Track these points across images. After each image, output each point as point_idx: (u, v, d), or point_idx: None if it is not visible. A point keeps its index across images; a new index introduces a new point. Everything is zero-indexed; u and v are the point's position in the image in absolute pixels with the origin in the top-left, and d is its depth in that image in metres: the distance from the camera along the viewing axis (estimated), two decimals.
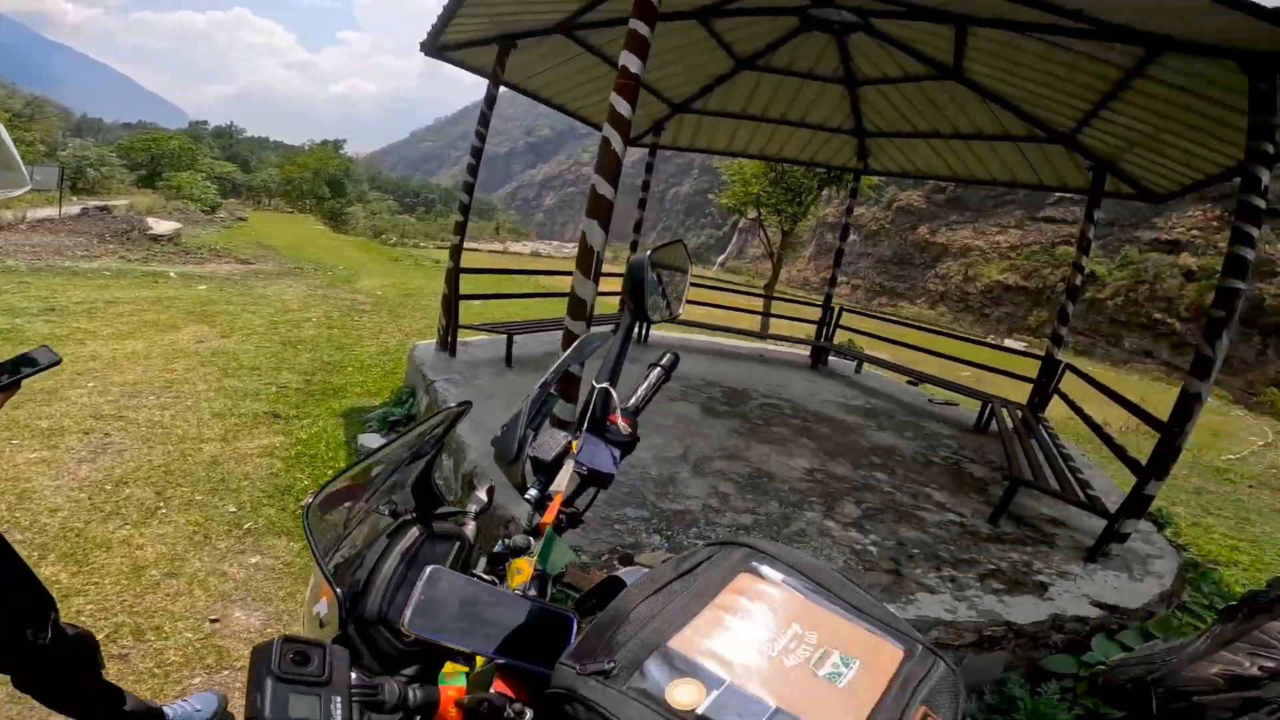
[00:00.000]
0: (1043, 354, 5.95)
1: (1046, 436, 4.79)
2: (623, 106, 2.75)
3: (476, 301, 6.48)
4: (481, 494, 1.23)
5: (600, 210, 2.49)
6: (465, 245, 5.48)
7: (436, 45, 5.27)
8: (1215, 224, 34.79)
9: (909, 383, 7.25)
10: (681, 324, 7.65)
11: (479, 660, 0.88)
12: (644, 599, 0.86)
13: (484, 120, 5.39)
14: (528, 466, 1.16)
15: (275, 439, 4.28)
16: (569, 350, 1.26)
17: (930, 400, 6.62)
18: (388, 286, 11.79)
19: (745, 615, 0.83)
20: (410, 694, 0.78)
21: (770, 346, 8.16)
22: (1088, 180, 5.66)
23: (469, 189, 5.52)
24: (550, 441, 1.18)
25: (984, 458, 4.93)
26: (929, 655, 0.84)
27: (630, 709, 0.71)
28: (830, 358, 7.59)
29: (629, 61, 2.77)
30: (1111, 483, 4.65)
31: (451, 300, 5.26)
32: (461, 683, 0.85)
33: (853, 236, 52.14)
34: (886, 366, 7.31)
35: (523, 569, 1.04)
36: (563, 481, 1.10)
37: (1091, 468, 4.94)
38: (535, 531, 1.09)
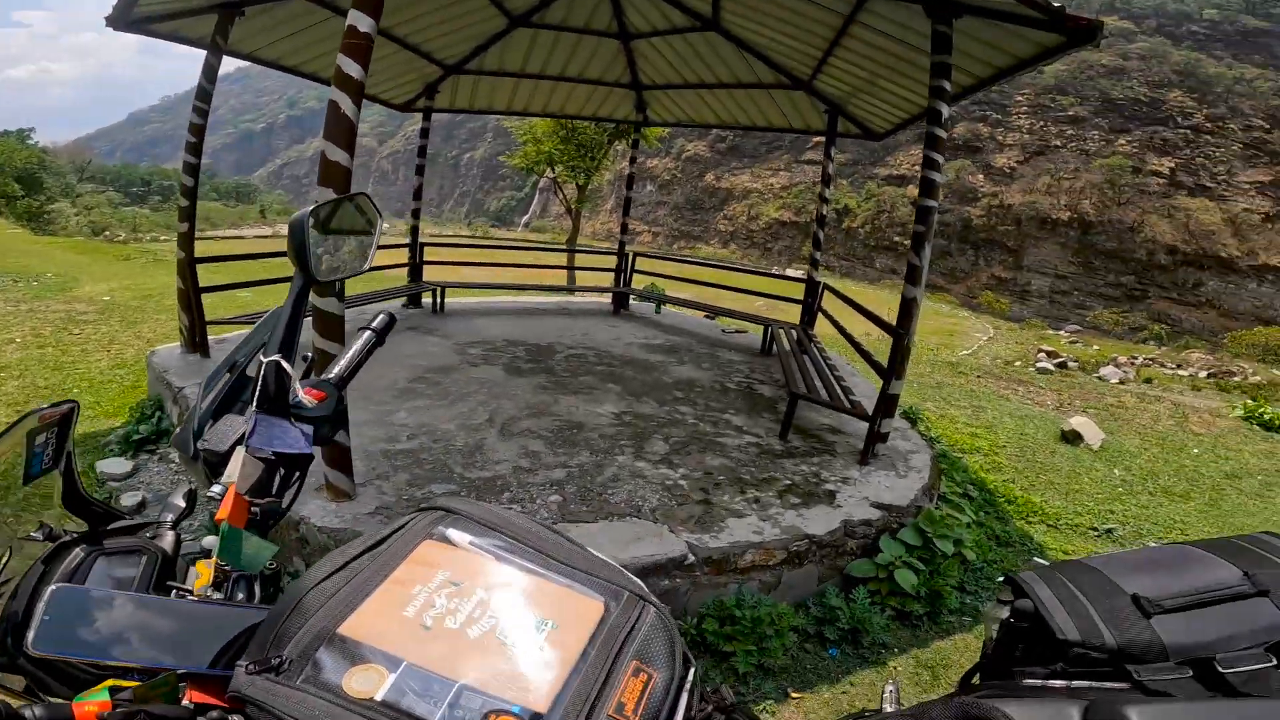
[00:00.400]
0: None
1: (816, 352, 5.42)
2: (352, 68, 2.50)
3: (244, 292, 5.65)
4: (178, 499, 1.04)
5: (334, 178, 2.27)
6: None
7: (130, 18, 4.34)
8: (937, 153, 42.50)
9: (706, 317, 7.78)
10: (484, 287, 7.40)
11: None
12: (320, 581, 0.77)
13: (203, 95, 4.60)
14: (204, 467, 1.01)
15: None
16: (257, 325, 1.10)
17: (724, 330, 7.17)
18: (119, 290, 9.86)
19: (425, 587, 0.76)
20: (28, 712, 0.65)
21: (574, 299, 8.23)
22: (824, 123, 6.37)
23: (192, 170, 4.68)
24: (225, 430, 1.01)
25: (771, 378, 5.47)
26: (635, 602, 0.81)
27: (305, 705, 0.64)
28: (632, 301, 7.86)
29: (358, 20, 2.51)
30: (872, 387, 5.31)
31: (190, 295, 4.52)
32: (103, 697, 0.72)
33: (649, 186, 54.72)
34: (684, 304, 7.75)
35: (202, 572, 0.91)
36: (234, 472, 0.95)
37: (855, 375, 5.70)
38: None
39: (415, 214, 7.39)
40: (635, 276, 8.08)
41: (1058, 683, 1.13)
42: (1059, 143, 41.45)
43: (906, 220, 41.23)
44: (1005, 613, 1.31)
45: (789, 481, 3.52)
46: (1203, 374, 19.57)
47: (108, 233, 31.47)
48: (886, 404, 3.90)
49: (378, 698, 0.65)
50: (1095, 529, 4.50)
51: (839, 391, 4.39)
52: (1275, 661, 1.07)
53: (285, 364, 0.99)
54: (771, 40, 5.56)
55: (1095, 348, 20.59)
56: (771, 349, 6.27)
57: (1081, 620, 1.18)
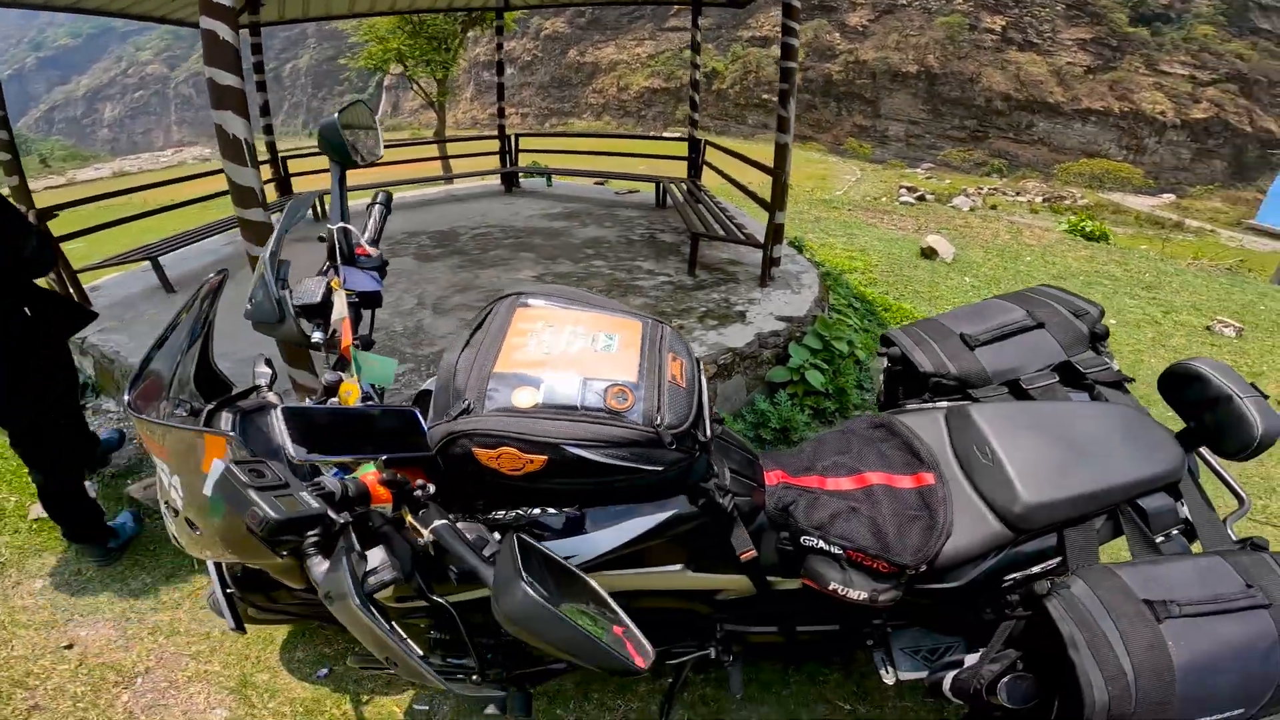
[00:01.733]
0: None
1: (708, 199, 5.77)
2: None
3: (75, 243, 4.94)
4: (262, 367, 1.31)
5: (230, 100, 2.19)
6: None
7: None
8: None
9: (596, 183, 7.89)
10: (364, 188, 7.07)
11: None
12: (459, 354, 1.13)
13: None
14: (300, 321, 1.26)
15: None
16: (282, 217, 1.34)
17: (616, 193, 7.34)
18: None
19: (535, 333, 1.13)
20: (347, 486, 0.89)
21: (460, 185, 8.01)
22: None
23: (2, 123, 3.97)
24: (310, 287, 1.29)
25: (671, 227, 5.79)
26: (658, 324, 1.24)
27: (495, 422, 0.98)
28: (522, 180, 7.81)
29: None
30: (761, 225, 5.78)
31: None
32: (373, 467, 1.00)
33: (510, 70, 50.97)
34: (573, 174, 7.78)
35: (351, 390, 1.18)
36: (343, 309, 1.24)
37: (745, 216, 6.09)
38: (342, 364, 1.24)
39: (268, 129, 6.79)
40: (520, 156, 7.93)
41: (927, 405, 1.63)
42: (904, 1, 42.96)
43: (773, 79, 41.62)
44: (885, 362, 1.80)
45: (705, 309, 3.93)
46: (1039, 199, 22.02)
47: None
48: (775, 232, 4.36)
49: (539, 403, 1.00)
50: None
51: (733, 228, 4.81)
52: (1058, 378, 1.58)
53: (350, 227, 1.28)
54: None
55: (948, 181, 22.45)
56: (665, 202, 6.57)
57: (932, 356, 1.64)
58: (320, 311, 1.24)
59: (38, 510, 2.57)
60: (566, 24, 49.99)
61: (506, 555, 0.77)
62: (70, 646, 2.01)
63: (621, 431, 0.98)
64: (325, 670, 1.92)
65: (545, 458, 0.96)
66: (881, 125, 41.16)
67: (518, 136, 7.75)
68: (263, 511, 0.72)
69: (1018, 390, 1.60)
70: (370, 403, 1.17)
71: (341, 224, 1.27)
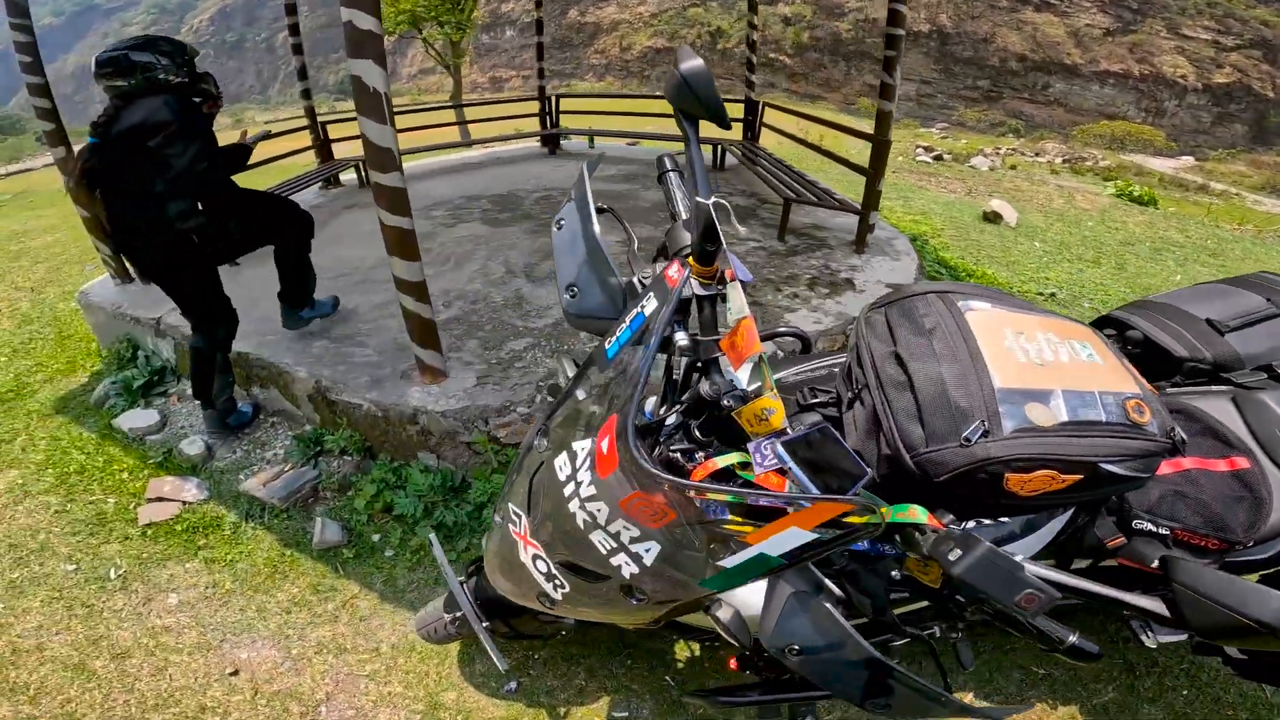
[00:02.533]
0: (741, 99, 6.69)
1: (779, 163, 5.43)
2: None
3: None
4: (571, 368, 1.16)
5: (370, 47, 1.90)
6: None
7: None
8: None
9: (629, 144, 7.62)
10: (413, 152, 6.73)
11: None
12: (936, 367, 0.97)
13: (19, 11, 3.56)
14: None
15: None
16: (583, 186, 1.17)
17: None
18: None
19: (1007, 342, 0.97)
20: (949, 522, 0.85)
21: (498, 148, 7.66)
22: None
23: (42, 91, 3.68)
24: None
25: (737, 190, 5.51)
26: (1094, 327, 1.12)
27: (1031, 445, 0.86)
28: (563, 141, 7.49)
29: None
30: (837, 189, 5.49)
31: (100, 219, 3.73)
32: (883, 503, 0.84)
33: (509, 31, 49.73)
34: (611, 135, 7.52)
35: (775, 408, 0.89)
36: (743, 305, 0.95)
37: (819, 182, 5.80)
38: (711, 368, 1.00)
39: (306, 94, 6.40)
40: (560, 118, 7.56)
41: (1198, 389, 1.53)
42: None
43: (780, 38, 40.87)
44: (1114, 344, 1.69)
45: (809, 276, 3.69)
46: (1059, 160, 21.57)
47: None
48: (873, 199, 4.12)
49: (1061, 420, 0.88)
50: (1041, 294, 5.02)
51: (822, 193, 4.54)
52: None
53: (726, 204, 1.02)
54: None
55: (964, 141, 21.95)
56: (723, 165, 6.29)
57: (1183, 341, 1.58)
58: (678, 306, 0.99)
59: (148, 514, 2.35)
60: None
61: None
62: (236, 673, 1.79)
63: (1144, 444, 0.95)
64: (514, 684, 1.74)
65: (1079, 476, 0.91)
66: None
67: (559, 97, 7.38)
68: (1041, 593, 0.67)
69: (1275, 375, 1.55)
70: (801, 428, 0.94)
71: (715, 199, 0.99)
